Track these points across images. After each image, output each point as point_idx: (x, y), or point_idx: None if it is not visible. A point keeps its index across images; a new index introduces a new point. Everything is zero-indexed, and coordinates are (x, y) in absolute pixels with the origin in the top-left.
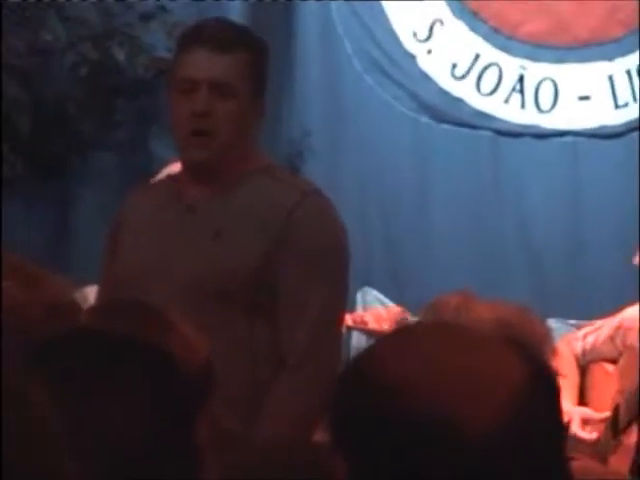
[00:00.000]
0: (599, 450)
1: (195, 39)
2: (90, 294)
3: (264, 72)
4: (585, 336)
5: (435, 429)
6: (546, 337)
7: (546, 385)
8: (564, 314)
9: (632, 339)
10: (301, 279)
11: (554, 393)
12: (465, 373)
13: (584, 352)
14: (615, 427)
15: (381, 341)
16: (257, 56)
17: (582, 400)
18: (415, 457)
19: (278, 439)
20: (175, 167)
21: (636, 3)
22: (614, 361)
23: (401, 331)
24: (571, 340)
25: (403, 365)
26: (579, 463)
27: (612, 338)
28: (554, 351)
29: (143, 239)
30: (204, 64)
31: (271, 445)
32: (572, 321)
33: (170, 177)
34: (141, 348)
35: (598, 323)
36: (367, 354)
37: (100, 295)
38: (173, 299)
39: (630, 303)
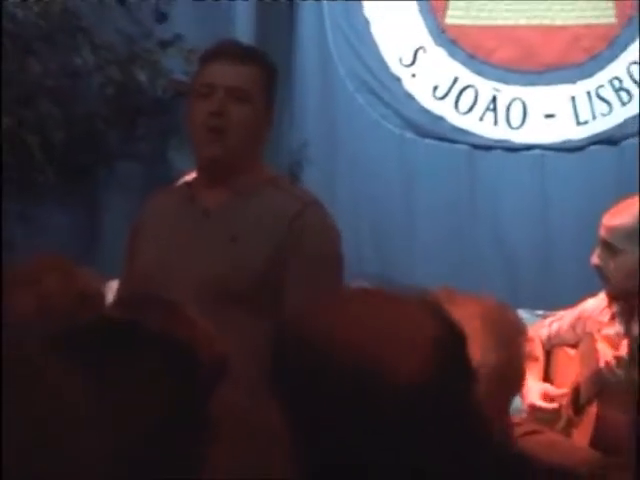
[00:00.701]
0: (562, 426)
1: (214, 54)
2: (114, 286)
3: (273, 87)
4: (550, 324)
5: (362, 380)
6: (521, 328)
7: (456, 339)
8: (532, 306)
9: (590, 327)
10: (302, 283)
11: (462, 346)
12: (387, 330)
13: (549, 338)
14: (576, 405)
15: (313, 305)
16: (268, 71)
17: (547, 379)
18: (346, 406)
19: None
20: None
21: (598, 31)
22: (575, 346)
23: (330, 296)
24: (538, 328)
25: (333, 325)
26: (545, 436)
27: (573, 326)
28: (527, 339)
29: (161, 240)
30: (221, 72)
31: None
32: (539, 312)
33: (185, 183)
34: (155, 336)
35: (561, 313)
36: (301, 316)
37: (120, 289)
38: (188, 296)
39: (588, 296)
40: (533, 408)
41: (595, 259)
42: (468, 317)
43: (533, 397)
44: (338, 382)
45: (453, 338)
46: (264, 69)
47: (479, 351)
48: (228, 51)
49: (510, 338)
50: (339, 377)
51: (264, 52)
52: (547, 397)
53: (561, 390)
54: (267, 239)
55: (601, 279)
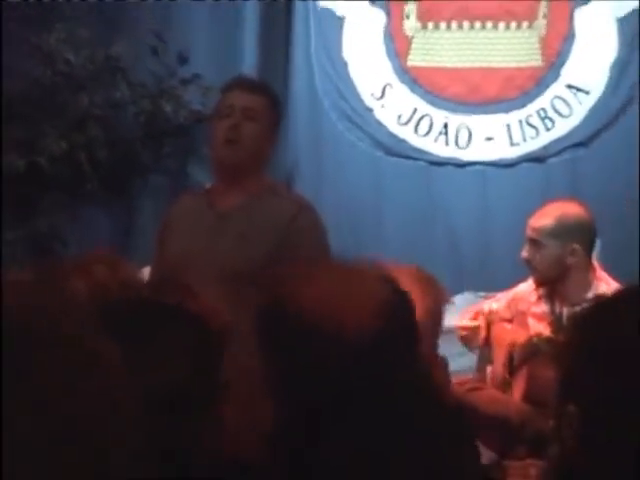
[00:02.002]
0: (498, 385)
1: (233, 84)
2: (146, 272)
3: (279, 113)
4: (490, 304)
5: (327, 334)
6: (440, 285)
7: (404, 303)
8: (476, 289)
9: (521, 306)
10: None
11: (409, 308)
12: (347, 295)
13: (490, 314)
14: (511, 367)
15: (294, 275)
16: (274, 101)
17: (488, 346)
18: (315, 355)
19: None
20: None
21: (527, 72)
22: (510, 321)
23: (306, 268)
24: (481, 306)
25: (306, 293)
26: (486, 392)
27: (508, 305)
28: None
29: (185, 235)
30: (238, 97)
31: None
32: (481, 294)
33: (204, 190)
34: (179, 311)
35: (498, 295)
36: (283, 285)
37: (151, 274)
38: (206, 279)
39: (519, 282)
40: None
41: (524, 253)
42: (409, 285)
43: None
44: (309, 336)
45: (402, 302)
46: (270, 98)
47: (421, 311)
48: (243, 83)
49: (433, 293)
50: (309, 333)
51: (270, 86)
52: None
53: (498, 360)
54: (269, 235)
55: (529, 269)
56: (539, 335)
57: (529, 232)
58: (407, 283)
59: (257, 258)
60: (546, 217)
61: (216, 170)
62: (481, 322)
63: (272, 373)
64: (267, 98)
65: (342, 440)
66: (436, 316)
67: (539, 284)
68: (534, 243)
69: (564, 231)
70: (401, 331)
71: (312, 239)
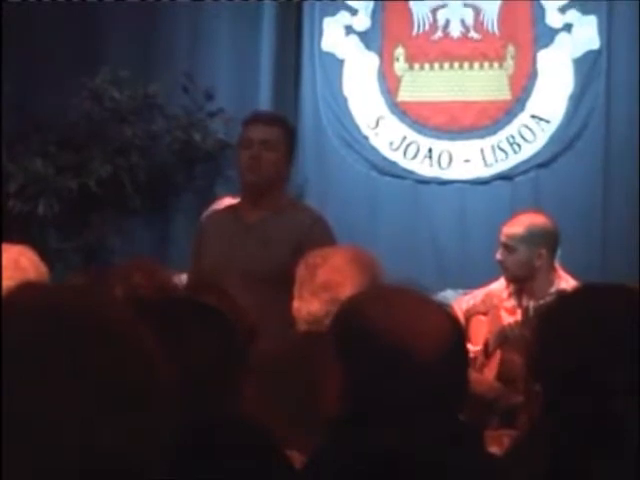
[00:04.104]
0: (477, 367)
1: (252, 118)
2: (183, 278)
3: (293, 143)
4: (468, 300)
5: (398, 353)
6: (377, 263)
7: (460, 332)
8: (456, 287)
9: (495, 301)
10: None
11: (463, 337)
12: (416, 321)
13: (467, 309)
14: (486, 352)
15: (364, 295)
16: (289, 132)
17: (466, 337)
18: (387, 372)
19: None
20: (223, 201)
21: (498, 104)
22: (485, 314)
23: (374, 289)
24: (461, 301)
25: (379, 312)
26: None
27: (484, 301)
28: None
29: (216, 246)
30: (257, 130)
31: None
32: (460, 290)
33: (232, 205)
34: (213, 310)
35: (475, 292)
36: (358, 303)
37: (189, 276)
38: (237, 283)
39: (493, 280)
40: None
41: (498, 256)
42: (342, 262)
43: None
44: (381, 355)
45: (458, 331)
46: (286, 129)
47: (355, 285)
48: (261, 117)
49: (369, 272)
50: (382, 352)
51: (286, 118)
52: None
53: (477, 347)
54: (289, 242)
55: (502, 269)
56: (510, 325)
57: (502, 238)
58: (343, 263)
59: (278, 262)
60: (517, 225)
61: (242, 191)
62: (460, 317)
63: (344, 378)
64: (282, 129)
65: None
66: None
67: (510, 282)
68: (507, 247)
69: (532, 238)
70: (457, 356)
71: (325, 244)
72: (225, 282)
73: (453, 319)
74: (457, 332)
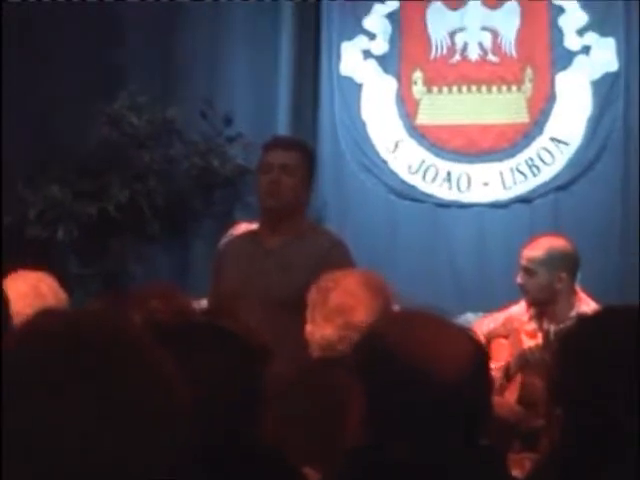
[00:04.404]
0: (497, 390)
1: (272, 143)
2: (202, 304)
3: (313, 167)
4: (488, 323)
5: (420, 377)
6: (388, 285)
7: (482, 355)
8: (476, 310)
9: (515, 324)
10: None
11: (486, 360)
12: (439, 344)
13: (488, 332)
14: (507, 375)
15: (388, 320)
16: (309, 156)
17: None
18: (408, 393)
19: None
20: (239, 226)
21: (516, 127)
22: (505, 337)
23: (398, 314)
24: (481, 324)
25: (403, 337)
26: None
27: (504, 324)
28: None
29: (236, 270)
30: (276, 155)
31: None
32: (480, 313)
33: (252, 231)
34: (229, 334)
35: (495, 315)
36: (382, 327)
37: (209, 300)
38: (257, 307)
39: (513, 303)
40: None
41: (519, 279)
42: (354, 286)
43: None
44: (403, 376)
45: (481, 354)
46: (305, 154)
47: (368, 308)
48: (281, 141)
49: (381, 296)
50: (404, 373)
51: (305, 142)
52: None
53: (498, 364)
54: (309, 267)
55: (523, 293)
56: (530, 349)
57: (523, 261)
58: (356, 287)
59: (298, 286)
60: (537, 249)
61: (262, 215)
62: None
63: (366, 402)
64: (301, 154)
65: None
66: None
67: (531, 305)
68: (527, 271)
69: (553, 261)
70: (480, 380)
71: (344, 268)
72: (244, 307)
73: (477, 343)
74: (480, 356)
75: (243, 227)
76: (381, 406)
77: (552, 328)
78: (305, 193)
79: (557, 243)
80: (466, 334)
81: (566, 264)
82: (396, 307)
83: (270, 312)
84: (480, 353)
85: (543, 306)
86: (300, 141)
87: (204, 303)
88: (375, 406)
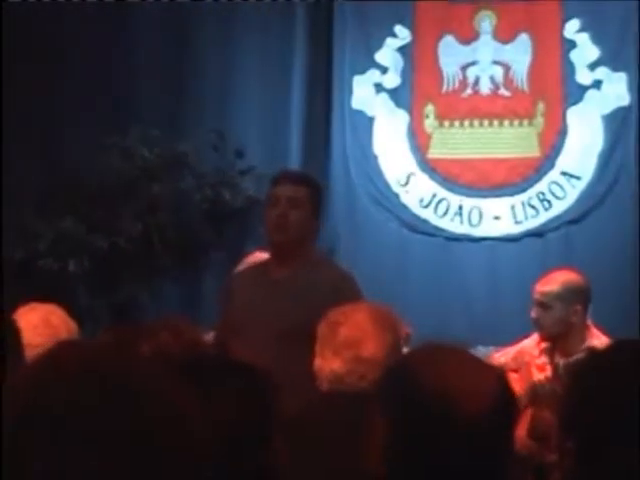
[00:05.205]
0: None
1: (281, 177)
2: (212, 334)
3: (320, 201)
4: (499, 357)
5: (445, 411)
6: (397, 318)
7: (506, 389)
8: (487, 343)
9: (526, 358)
10: None
11: (511, 395)
12: (464, 378)
13: (499, 365)
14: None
15: (413, 353)
16: (315, 190)
17: None
18: (431, 429)
19: None
20: (253, 256)
21: (527, 161)
22: (516, 371)
23: (423, 347)
24: (492, 359)
25: (429, 371)
26: None
27: (515, 358)
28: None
29: (245, 301)
30: (285, 189)
31: None
32: (492, 347)
33: (261, 262)
34: (240, 367)
35: (506, 349)
36: (408, 361)
37: (216, 335)
38: (265, 339)
39: (523, 338)
40: None
41: (533, 314)
42: (363, 320)
43: None
44: (427, 408)
45: (505, 388)
46: (312, 188)
47: (378, 342)
48: (289, 176)
49: (391, 329)
50: (428, 405)
51: (313, 177)
52: None
53: None
54: (318, 299)
55: (537, 327)
56: (540, 381)
57: (537, 296)
58: (365, 321)
59: (306, 318)
60: (552, 283)
61: (270, 249)
62: None
63: (389, 436)
64: (309, 188)
65: None
66: (396, 349)
67: (545, 340)
68: (542, 305)
69: (568, 294)
70: (503, 419)
71: (353, 301)
72: (253, 338)
73: (501, 378)
74: (504, 391)
75: (258, 256)
76: (405, 438)
77: (562, 362)
78: (313, 227)
79: (571, 277)
80: (491, 368)
81: (580, 297)
82: (407, 333)
83: (279, 344)
84: (504, 387)
85: (556, 340)
86: (308, 176)
87: (213, 335)
88: (399, 438)
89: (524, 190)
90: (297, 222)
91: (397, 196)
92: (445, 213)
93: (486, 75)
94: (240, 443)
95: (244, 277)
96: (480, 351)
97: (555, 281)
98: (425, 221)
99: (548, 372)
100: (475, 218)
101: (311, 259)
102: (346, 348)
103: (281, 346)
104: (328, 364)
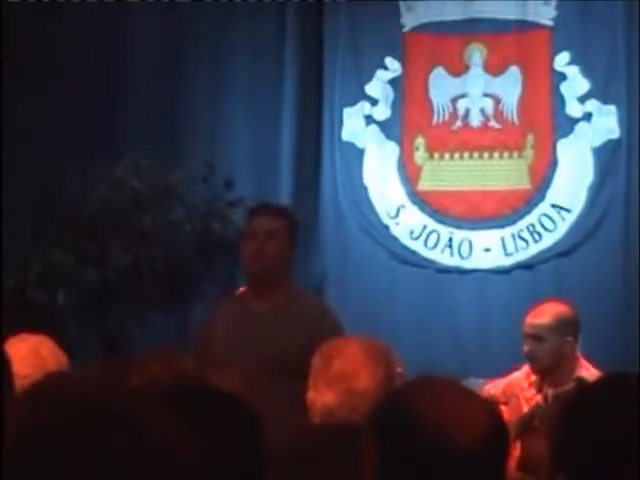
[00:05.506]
0: None
1: (257, 210)
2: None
3: (296, 232)
4: (489, 389)
5: (436, 446)
6: (390, 352)
7: (499, 423)
8: (477, 375)
9: (515, 391)
10: None
11: (503, 429)
12: (457, 412)
13: (490, 398)
14: None
15: (406, 385)
16: (290, 222)
17: None
18: (423, 461)
19: None
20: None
21: (518, 194)
22: (505, 403)
23: (416, 380)
24: (482, 391)
25: (421, 403)
26: None
27: (504, 391)
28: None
29: (226, 332)
30: (261, 220)
31: None
32: (481, 380)
33: (239, 294)
34: (230, 399)
35: (497, 382)
36: (401, 394)
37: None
38: (249, 371)
39: (513, 371)
40: None
41: (526, 347)
42: (357, 353)
43: None
44: (418, 444)
45: (498, 423)
46: (289, 220)
47: (370, 375)
48: (265, 209)
49: (384, 362)
50: (418, 441)
51: (289, 209)
52: None
53: None
54: (299, 331)
55: (529, 361)
56: (539, 404)
57: (529, 329)
58: (358, 354)
59: (288, 349)
60: (545, 316)
61: (248, 281)
62: None
63: (381, 465)
64: (285, 220)
65: None
66: (388, 383)
67: (537, 372)
68: (535, 338)
69: (560, 326)
70: (495, 451)
71: (335, 334)
72: (235, 370)
73: (495, 413)
74: (497, 425)
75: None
76: (397, 470)
77: (550, 391)
78: (289, 257)
79: (561, 308)
80: (482, 400)
81: (571, 329)
82: (399, 372)
83: (260, 375)
84: (496, 420)
85: (548, 373)
86: (284, 208)
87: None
88: (390, 470)
89: (514, 222)
90: (274, 253)
91: (387, 228)
92: (435, 245)
93: (476, 107)
94: (232, 474)
95: (226, 310)
96: (470, 383)
97: (547, 313)
98: (415, 253)
99: (537, 399)
100: (465, 250)
101: (290, 291)
102: (339, 381)
103: (263, 379)
104: (321, 397)
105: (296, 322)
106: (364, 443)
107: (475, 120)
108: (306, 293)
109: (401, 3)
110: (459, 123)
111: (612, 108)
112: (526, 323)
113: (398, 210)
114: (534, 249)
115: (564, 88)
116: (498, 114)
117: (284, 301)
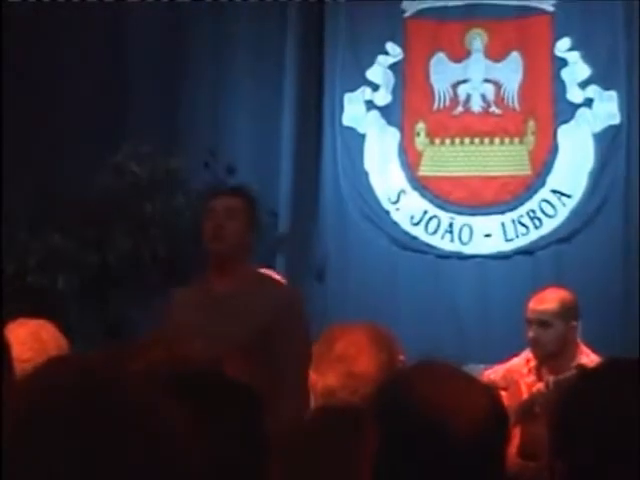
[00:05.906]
0: None
1: (216, 192)
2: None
3: (255, 213)
4: (489, 375)
5: (436, 430)
6: (393, 338)
7: (498, 406)
8: (477, 361)
9: (515, 377)
10: (286, 344)
11: (503, 412)
12: (458, 397)
13: (490, 383)
14: None
15: (407, 369)
16: (251, 202)
17: None
18: (423, 445)
19: None
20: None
21: (518, 179)
22: (505, 389)
23: (417, 364)
24: (482, 376)
25: (422, 387)
26: None
27: (504, 376)
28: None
29: (188, 315)
30: (220, 200)
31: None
32: (482, 365)
33: (202, 277)
34: (233, 382)
35: (496, 367)
36: (402, 378)
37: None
38: (210, 351)
39: (513, 356)
40: None
41: (531, 333)
42: (360, 337)
43: None
44: (419, 428)
45: (497, 408)
46: (247, 200)
47: (372, 359)
48: (224, 190)
49: (387, 349)
50: (419, 426)
51: (248, 190)
52: None
53: None
54: (266, 313)
55: (534, 346)
56: (539, 390)
57: (534, 315)
58: (361, 338)
59: (254, 332)
60: (549, 301)
61: (209, 261)
62: None
63: (381, 449)
64: (244, 199)
65: None
66: (390, 368)
67: (542, 359)
68: (542, 323)
69: (566, 312)
70: (494, 436)
71: (302, 318)
72: (196, 352)
73: (495, 398)
74: (497, 410)
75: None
76: (396, 453)
77: (551, 378)
78: (249, 237)
79: (564, 294)
80: (483, 385)
81: (575, 314)
82: (401, 360)
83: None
84: (496, 405)
85: (550, 359)
86: (243, 188)
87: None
88: (390, 453)
89: (515, 208)
90: (233, 232)
91: (388, 213)
92: (436, 230)
93: (477, 93)
94: (235, 458)
95: (186, 294)
96: (471, 369)
97: (552, 299)
98: (415, 238)
99: (538, 386)
100: (466, 236)
101: (252, 273)
102: (340, 363)
103: (227, 363)
104: (322, 378)
105: (262, 305)
106: (365, 426)
107: (476, 106)
108: (267, 274)
109: None
110: (460, 109)
111: (613, 94)
112: (530, 309)
113: (399, 195)
114: (534, 235)
115: (565, 74)
116: (499, 100)
117: (247, 285)
